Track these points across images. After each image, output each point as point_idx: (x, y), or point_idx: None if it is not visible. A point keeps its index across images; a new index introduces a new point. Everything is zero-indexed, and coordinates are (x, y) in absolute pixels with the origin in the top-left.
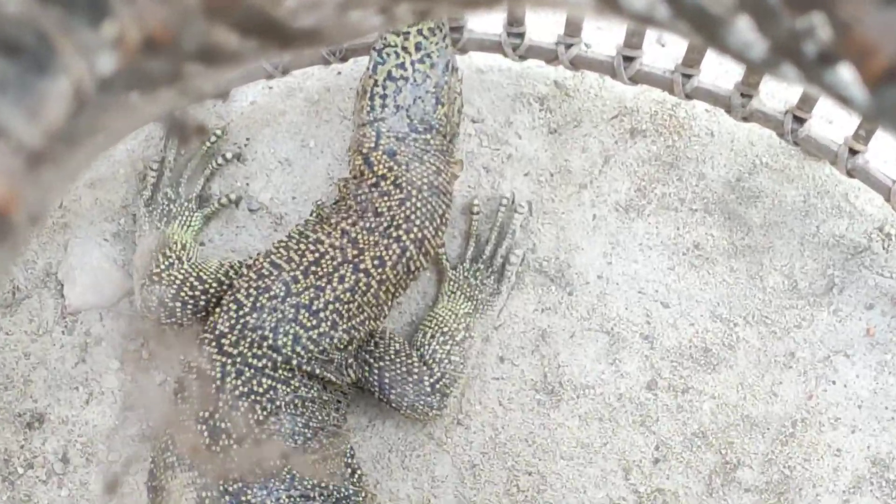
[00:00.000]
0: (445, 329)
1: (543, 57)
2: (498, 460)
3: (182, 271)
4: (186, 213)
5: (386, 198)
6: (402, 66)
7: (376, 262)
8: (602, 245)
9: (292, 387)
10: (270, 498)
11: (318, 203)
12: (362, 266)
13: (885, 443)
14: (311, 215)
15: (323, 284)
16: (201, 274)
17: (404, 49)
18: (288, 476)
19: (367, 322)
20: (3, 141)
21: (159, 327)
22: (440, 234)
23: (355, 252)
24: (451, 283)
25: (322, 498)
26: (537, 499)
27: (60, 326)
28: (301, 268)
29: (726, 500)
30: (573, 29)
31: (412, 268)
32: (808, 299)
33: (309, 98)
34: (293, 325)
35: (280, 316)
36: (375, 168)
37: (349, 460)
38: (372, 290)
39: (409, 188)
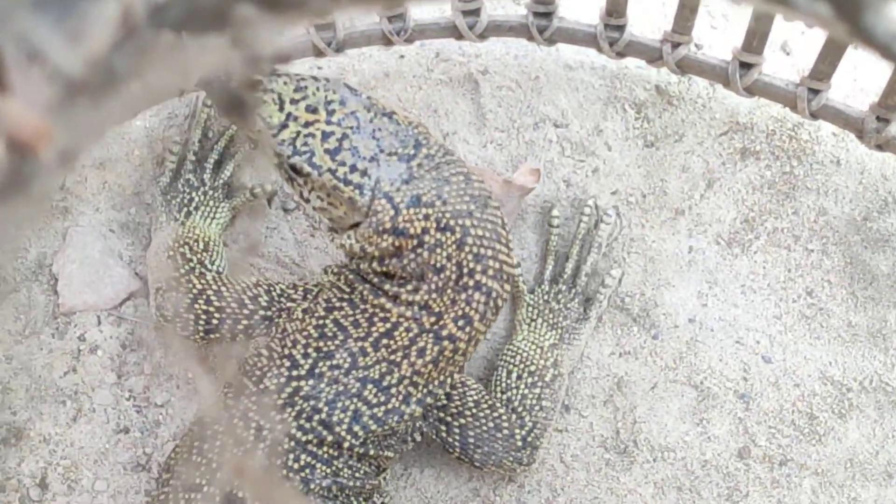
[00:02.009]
0: (532, 368)
1: (645, 56)
2: None
3: (203, 280)
4: (211, 203)
5: (440, 249)
6: (326, 136)
7: (461, 323)
8: (697, 283)
9: (333, 469)
10: None
11: (336, 270)
12: (445, 332)
13: None
14: (335, 278)
15: (398, 359)
16: (223, 289)
17: (307, 124)
18: None
19: (446, 383)
20: (38, 66)
21: (168, 340)
22: (510, 248)
23: (432, 319)
24: (530, 308)
25: None
26: None
27: (51, 328)
28: (371, 339)
29: None
30: (683, 25)
31: (500, 305)
32: None
33: (364, 83)
34: (355, 400)
35: (341, 389)
36: (411, 230)
37: None
38: (460, 353)
39: (458, 221)
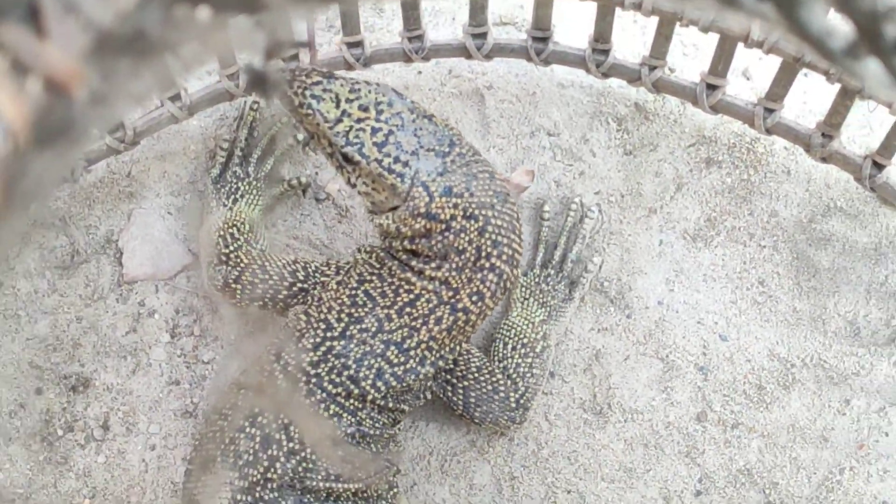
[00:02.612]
0: (525, 341)
1: (626, 77)
2: (538, 475)
3: (249, 256)
4: (254, 191)
5: (463, 234)
6: (375, 130)
7: (475, 298)
8: (666, 271)
9: (357, 419)
10: None
11: (368, 249)
12: (461, 306)
13: None
14: (367, 256)
15: (418, 325)
16: (266, 264)
17: (358, 120)
18: (324, 494)
19: (455, 349)
20: (74, 16)
21: (215, 306)
22: (522, 238)
23: (450, 293)
24: (524, 289)
25: None
26: None
27: (115, 294)
28: (396, 307)
29: None
30: (659, 51)
31: (509, 286)
32: (870, 348)
33: None
34: (379, 360)
35: (367, 349)
36: (442, 215)
37: (392, 478)
38: (470, 324)
39: (482, 211)
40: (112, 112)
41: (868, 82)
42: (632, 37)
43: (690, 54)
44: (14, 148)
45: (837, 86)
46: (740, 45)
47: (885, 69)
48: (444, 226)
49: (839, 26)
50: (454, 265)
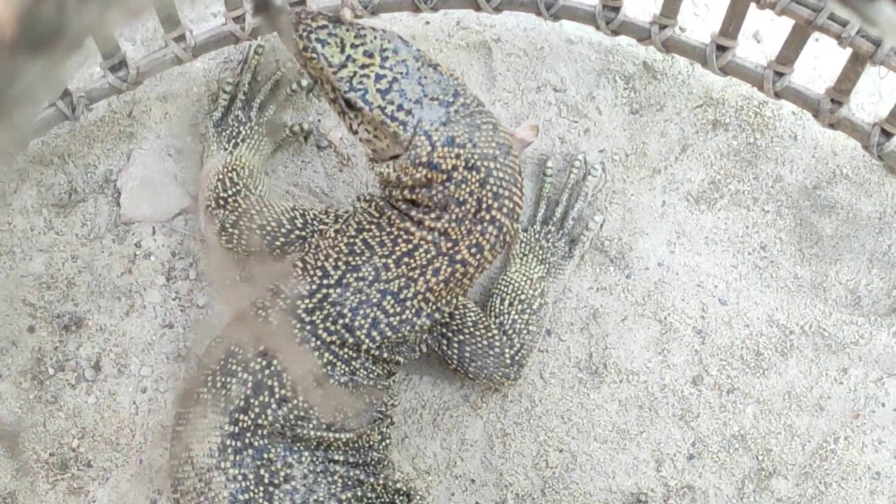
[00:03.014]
0: (522, 297)
1: (636, 35)
2: (530, 432)
3: (248, 201)
4: (256, 136)
5: (464, 185)
6: (379, 77)
7: (473, 250)
8: (667, 233)
9: (351, 368)
10: (293, 457)
11: (367, 198)
12: (459, 257)
13: None
14: (366, 205)
15: (415, 276)
16: (264, 210)
17: (363, 66)
18: (314, 443)
19: (452, 302)
20: None
21: (211, 250)
22: (523, 192)
23: (449, 244)
24: (523, 245)
25: (345, 457)
26: (564, 477)
27: (112, 234)
28: (394, 256)
29: None
30: (670, 10)
31: (508, 240)
32: (869, 318)
33: None
34: (375, 309)
35: (363, 298)
36: (444, 165)
37: (385, 429)
38: (468, 276)
39: (484, 163)
40: (104, 18)
41: (882, 27)
42: None
43: (701, 14)
44: (0, 40)
45: (849, 51)
46: (752, 7)
47: None
48: (445, 176)
49: None
50: (454, 216)
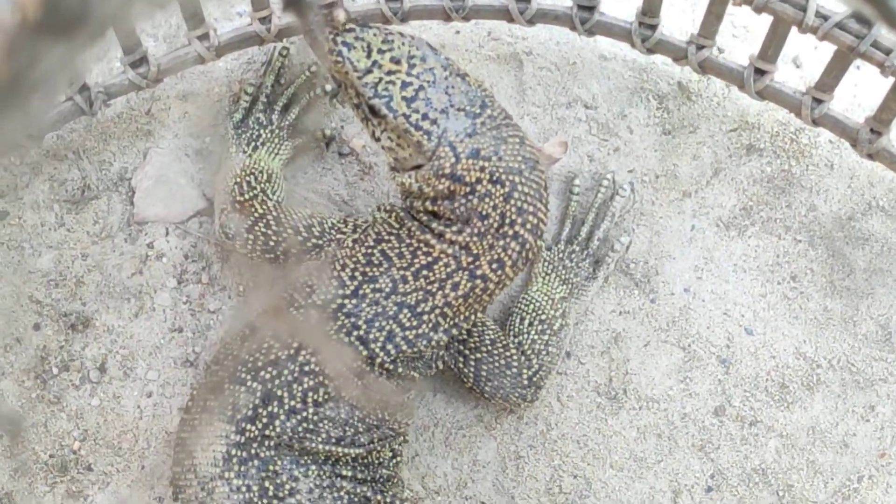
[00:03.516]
0: (543, 317)
1: (672, 54)
2: (545, 456)
3: (264, 206)
4: (276, 140)
5: (488, 199)
6: (405, 85)
7: (494, 266)
8: (695, 258)
9: (364, 382)
10: (299, 470)
11: (388, 209)
12: (479, 272)
13: None
14: (386, 215)
15: (434, 290)
16: (281, 216)
17: (389, 73)
18: (322, 457)
19: (470, 319)
20: None
21: (225, 255)
22: (548, 208)
23: (470, 259)
24: (546, 263)
25: (353, 473)
26: (578, 503)
27: (124, 234)
28: (412, 269)
29: None
30: (708, 30)
31: (531, 257)
32: None
33: None
34: (391, 322)
35: (379, 310)
36: (467, 178)
37: (397, 446)
38: (488, 293)
39: (509, 177)
40: (129, 7)
41: None
42: (681, 13)
43: (740, 36)
44: (23, 21)
45: (891, 80)
46: (794, 31)
47: None
48: (468, 188)
49: None
50: (476, 230)
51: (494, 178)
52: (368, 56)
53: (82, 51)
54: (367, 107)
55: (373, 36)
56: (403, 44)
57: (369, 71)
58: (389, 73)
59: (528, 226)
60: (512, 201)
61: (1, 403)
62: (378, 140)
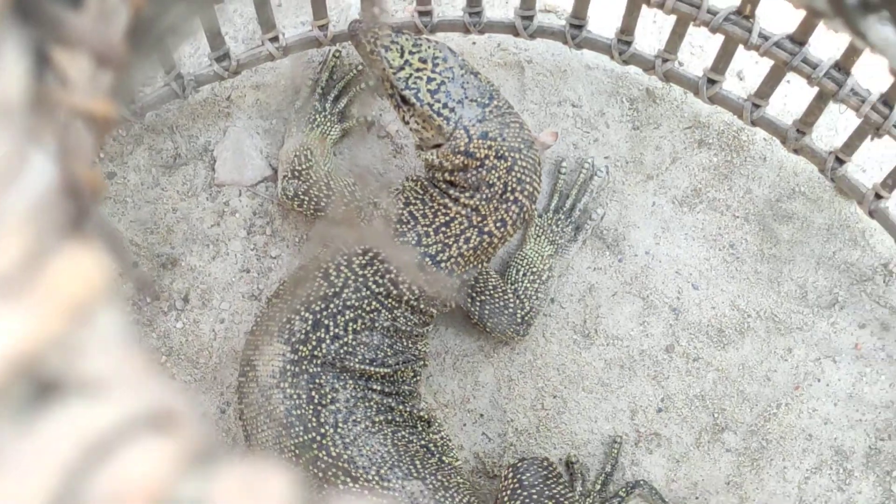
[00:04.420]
0: (534, 269)
1: (642, 65)
2: (531, 380)
3: (318, 174)
4: (328, 123)
5: (494, 171)
6: (430, 80)
7: (499, 224)
8: (654, 228)
9: (393, 315)
10: (339, 384)
11: (414, 178)
12: (486, 229)
13: (850, 438)
14: (413, 184)
15: (450, 243)
16: (331, 182)
17: (417, 70)
18: (357, 374)
19: (478, 268)
20: None
21: (285, 212)
22: (541, 180)
23: (479, 218)
24: (538, 227)
25: (381, 387)
26: (556, 418)
27: (206, 193)
28: (433, 226)
29: (709, 454)
30: (671, 47)
31: (527, 219)
32: (813, 309)
33: None
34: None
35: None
36: (478, 154)
37: (418, 368)
38: (493, 246)
39: (511, 154)
40: None
41: (871, 37)
42: (650, 34)
43: (696, 53)
44: None
45: (815, 90)
46: (740, 48)
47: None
48: (478, 163)
49: None
50: (484, 196)
51: (499, 154)
52: (401, 56)
53: (198, 12)
54: (400, 97)
55: (405, 41)
56: (429, 47)
57: (402, 68)
58: (418, 70)
59: (526, 193)
60: (513, 173)
61: (137, 272)
62: (407, 124)
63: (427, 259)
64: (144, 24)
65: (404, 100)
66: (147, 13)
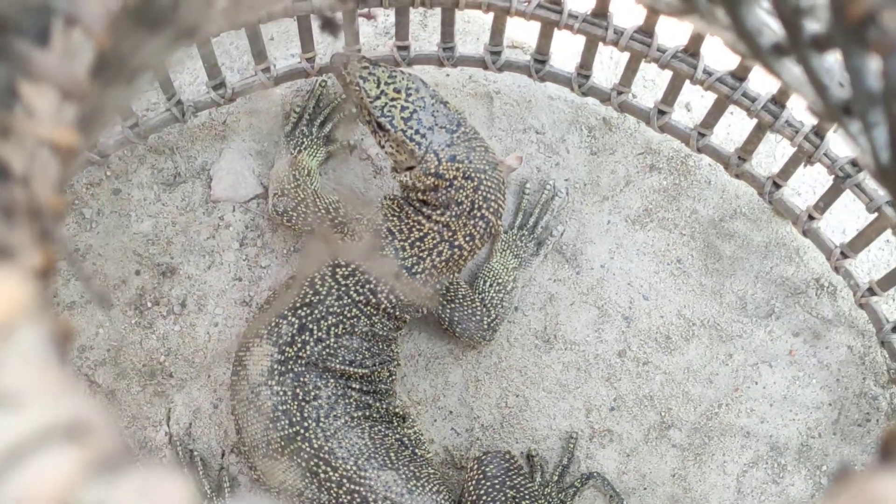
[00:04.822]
0: (500, 280)
1: (600, 97)
2: (496, 380)
3: (305, 192)
4: (315, 146)
5: (462, 190)
6: (403, 108)
7: (467, 239)
8: (609, 244)
9: (371, 321)
10: (321, 382)
11: (391, 198)
12: (456, 243)
13: (783, 436)
14: (390, 202)
15: (424, 256)
16: (317, 200)
17: (392, 99)
18: (338, 374)
19: (449, 278)
20: None
21: (274, 227)
22: (505, 198)
23: (450, 233)
24: (503, 242)
25: (360, 386)
26: (518, 416)
27: (203, 209)
28: (409, 241)
29: (657, 449)
30: (626, 81)
31: (493, 233)
32: (752, 319)
33: None
34: (393, 280)
35: (385, 270)
36: (447, 175)
37: (392, 369)
38: (463, 258)
39: (477, 175)
40: (207, 16)
41: (785, 77)
42: (607, 69)
43: (648, 87)
44: (124, 6)
45: (755, 121)
46: (687, 83)
47: (801, 64)
48: (448, 183)
49: (770, 28)
50: (454, 213)
51: (466, 175)
52: (378, 86)
53: (171, 49)
54: (376, 123)
55: (381, 72)
56: (403, 79)
57: (378, 97)
58: (392, 99)
59: (492, 210)
60: (479, 192)
61: (94, 285)
62: (383, 147)
63: (403, 270)
64: (116, 60)
65: (380, 126)
66: (120, 50)
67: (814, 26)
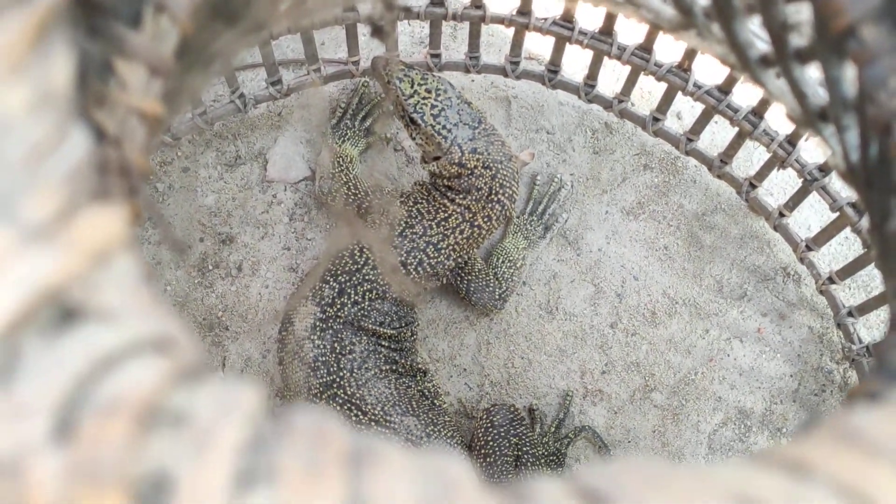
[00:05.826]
0: (511, 258)
1: (603, 104)
2: (504, 344)
3: (346, 177)
4: (357, 137)
5: (481, 177)
6: (433, 106)
7: (485, 219)
8: (606, 231)
9: None
10: (356, 339)
11: (421, 183)
12: (476, 223)
13: (750, 402)
14: (420, 188)
15: (448, 234)
16: (357, 183)
17: (423, 98)
18: (370, 332)
19: (469, 253)
20: None
21: (320, 205)
22: (519, 185)
23: (470, 215)
24: (515, 226)
25: (388, 344)
26: (523, 375)
27: (259, 187)
28: (435, 220)
29: (640, 409)
30: (626, 91)
31: (508, 216)
32: (727, 300)
33: None
34: (421, 253)
35: (414, 245)
36: (468, 165)
37: (415, 330)
38: (481, 237)
39: (494, 165)
40: (274, 13)
41: (769, 87)
42: (610, 79)
43: (645, 97)
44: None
45: (736, 129)
46: (679, 94)
47: (785, 75)
48: (469, 171)
49: (759, 42)
50: (474, 197)
51: (485, 165)
52: (411, 86)
53: (242, 41)
54: (409, 118)
55: (415, 74)
56: (433, 81)
57: (411, 96)
58: (424, 98)
59: (507, 195)
60: (496, 180)
61: (173, 234)
62: (414, 140)
63: (430, 246)
64: (196, 46)
65: (412, 121)
66: (200, 38)
67: (798, 41)
